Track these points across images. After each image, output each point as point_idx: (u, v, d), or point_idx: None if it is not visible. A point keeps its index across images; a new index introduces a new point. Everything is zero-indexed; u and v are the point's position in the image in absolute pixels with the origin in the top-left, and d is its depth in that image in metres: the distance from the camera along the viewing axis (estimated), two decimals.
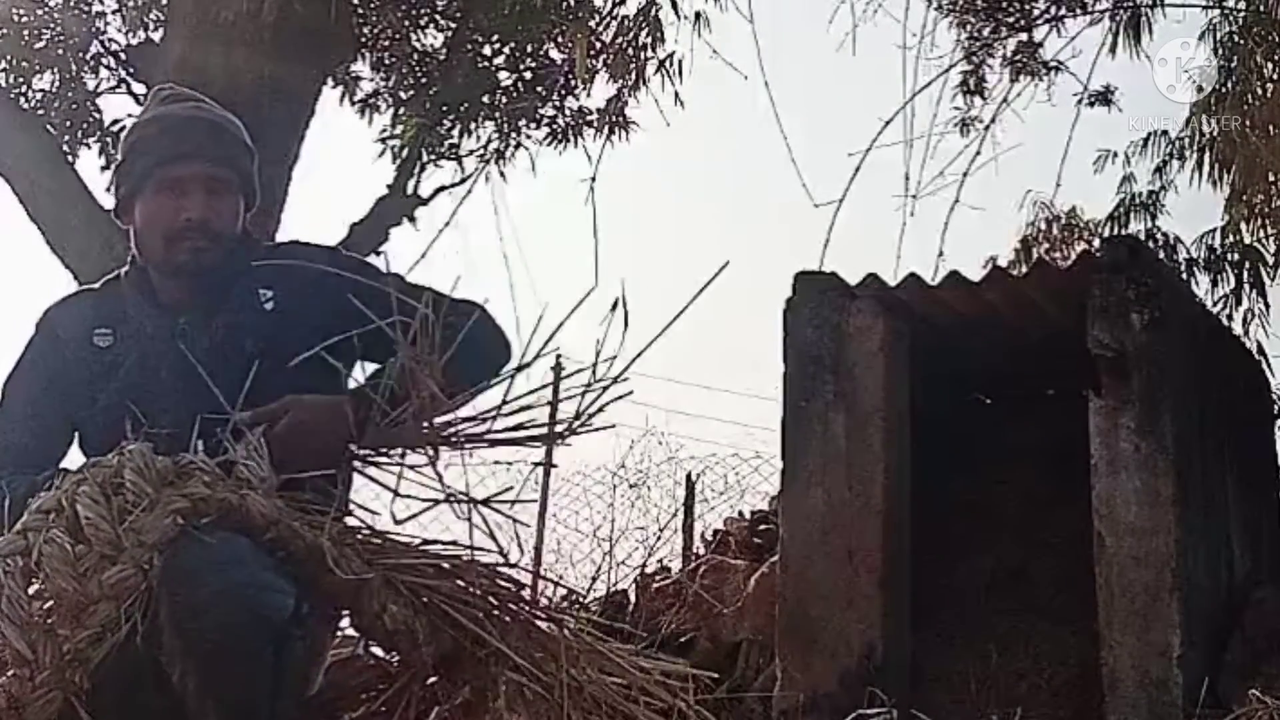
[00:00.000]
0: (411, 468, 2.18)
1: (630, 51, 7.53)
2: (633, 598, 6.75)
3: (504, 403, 2.25)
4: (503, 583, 2.11)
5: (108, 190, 7.49)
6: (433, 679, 2.08)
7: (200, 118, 2.47)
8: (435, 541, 2.14)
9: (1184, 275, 7.53)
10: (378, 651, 2.17)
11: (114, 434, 2.13)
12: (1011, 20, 8.36)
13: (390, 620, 2.01)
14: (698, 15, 7.49)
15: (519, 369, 2.30)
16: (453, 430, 2.20)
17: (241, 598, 1.93)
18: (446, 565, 2.09)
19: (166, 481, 1.93)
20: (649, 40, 7.48)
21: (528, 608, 2.12)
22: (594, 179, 7.67)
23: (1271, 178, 7.60)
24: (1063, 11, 8.14)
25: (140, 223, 2.45)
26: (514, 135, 8.33)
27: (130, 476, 1.91)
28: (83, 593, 1.80)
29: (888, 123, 7.48)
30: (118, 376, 2.40)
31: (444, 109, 8.16)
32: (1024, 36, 8.38)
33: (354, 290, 2.27)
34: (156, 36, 7.38)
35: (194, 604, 1.90)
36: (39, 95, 7.52)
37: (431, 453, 2.18)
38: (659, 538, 7.73)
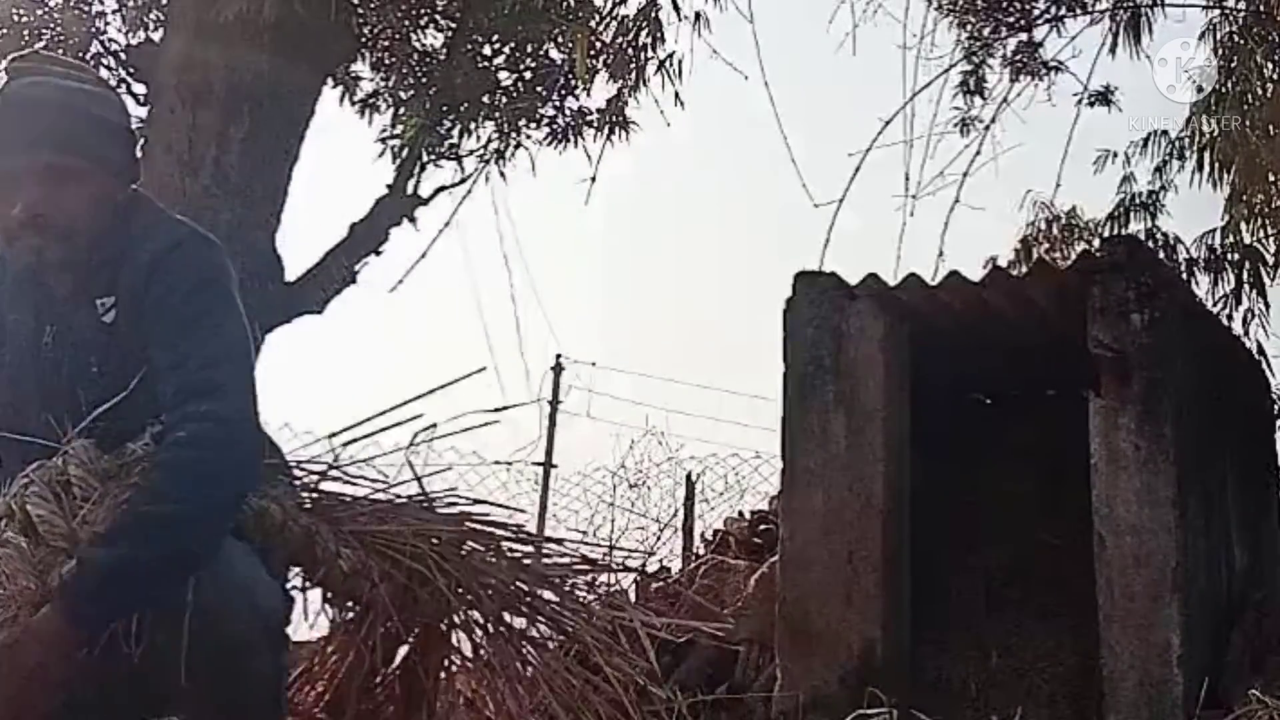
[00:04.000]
0: None
1: (630, 51, 7.53)
2: (632, 598, 6.74)
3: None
4: (445, 522, 2.12)
5: None
6: (391, 620, 2.09)
7: (33, 99, 2.13)
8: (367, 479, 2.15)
9: (1184, 275, 7.54)
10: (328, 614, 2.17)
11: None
12: (1011, 20, 8.36)
13: (345, 563, 2.02)
14: (698, 15, 7.51)
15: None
16: None
17: (248, 599, 1.92)
18: (383, 509, 2.12)
19: (110, 475, 1.94)
20: (649, 40, 7.48)
21: (476, 540, 2.12)
22: (594, 179, 7.69)
23: (1271, 178, 7.60)
24: (1063, 11, 8.14)
25: None
26: (514, 135, 8.33)
27: (76, 473, 1.92)
28: (44, 589, 1.81)
29: (888, 123, 7.50)
30: (4, 362, 2.22)
31: (444, 109, 8.16)
32: (1024, 36, 8.38)
33: (160, 312, 2.10)
34: (156, 36, 7.39)
35: (203, 607, 1.89)
36: None
37: None
38: (659, 538, 7.73)
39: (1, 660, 1.77)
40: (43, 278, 2.16)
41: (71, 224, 2.10)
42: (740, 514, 7.31)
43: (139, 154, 2.24)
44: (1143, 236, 7.87)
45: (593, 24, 7.68)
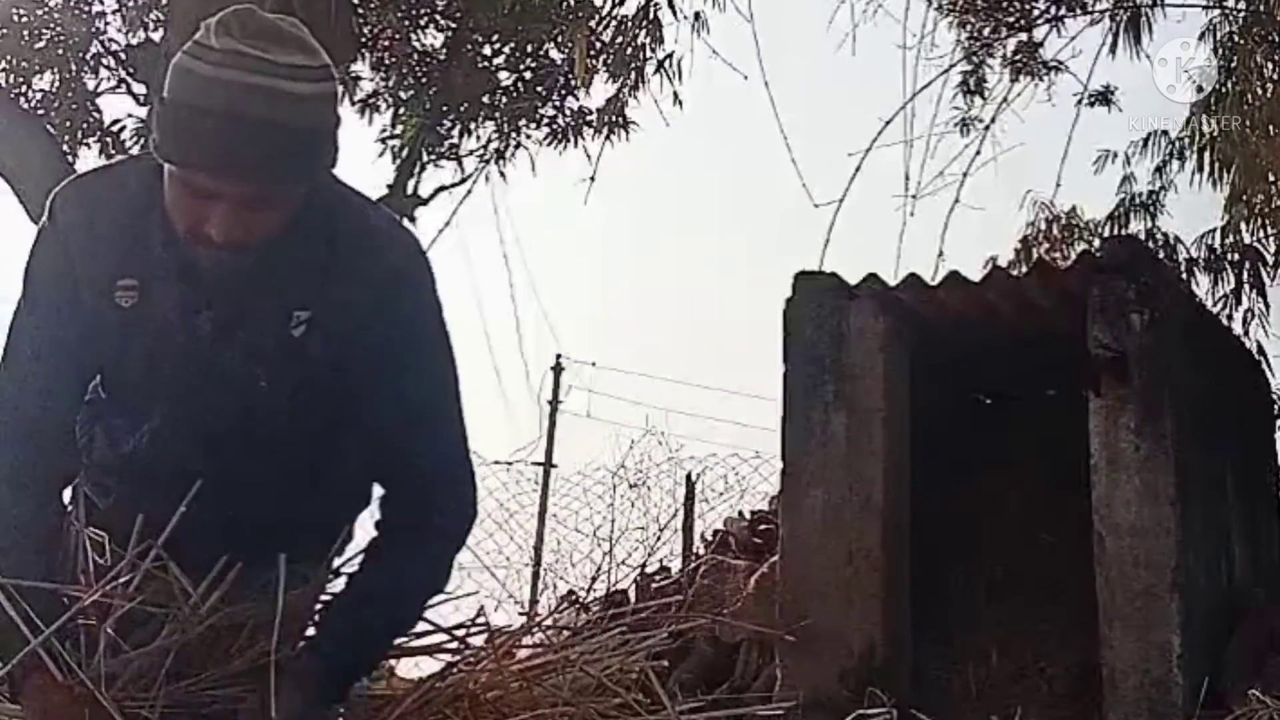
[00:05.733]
0: None
1: (630, 51, 7.53)
2: (633, 598, 6.75)
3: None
4: None
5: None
6: None
7: (247, 117, 1.72)
8: None
9: (1184, 275, 7.54)
10: None
11: (127, 414, 1.99)
12: (1011, 20, 8.36)
13: None
14: (697, 15, 7.51)
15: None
16: None
17: None
18: None
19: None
20: (648, 40, 7.49)
21: None
22: (593, 179, 7.69)
23: (1271, 178, 7.61)
24: (1063, 11, 8.15)
25: (166, 193, 1.84)
26: (514, 135, 8.35)
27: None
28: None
29: (888, 123, 7.49)
30: (131, 350, 1.94)
31: (444, 109, 8.18)
32: (1024, 36, 8.39)
33: (398, 359, 1.91)
34: (156, 36, 7.39)
35: None
36: (39, 95, 7.55)
37: None
38: (659, 538, 7.73)
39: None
40: (199, 254, 1.86)
41: (256, 240, 1.83)
42: (740, 514, 7.31)
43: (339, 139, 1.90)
44: (1143, 236, 7.87)
45: (592, 24, 7.69)
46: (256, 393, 1.92)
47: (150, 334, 1.91)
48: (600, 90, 8.06)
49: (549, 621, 2.15)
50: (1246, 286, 7.55)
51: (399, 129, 8.27)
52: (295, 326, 1.90)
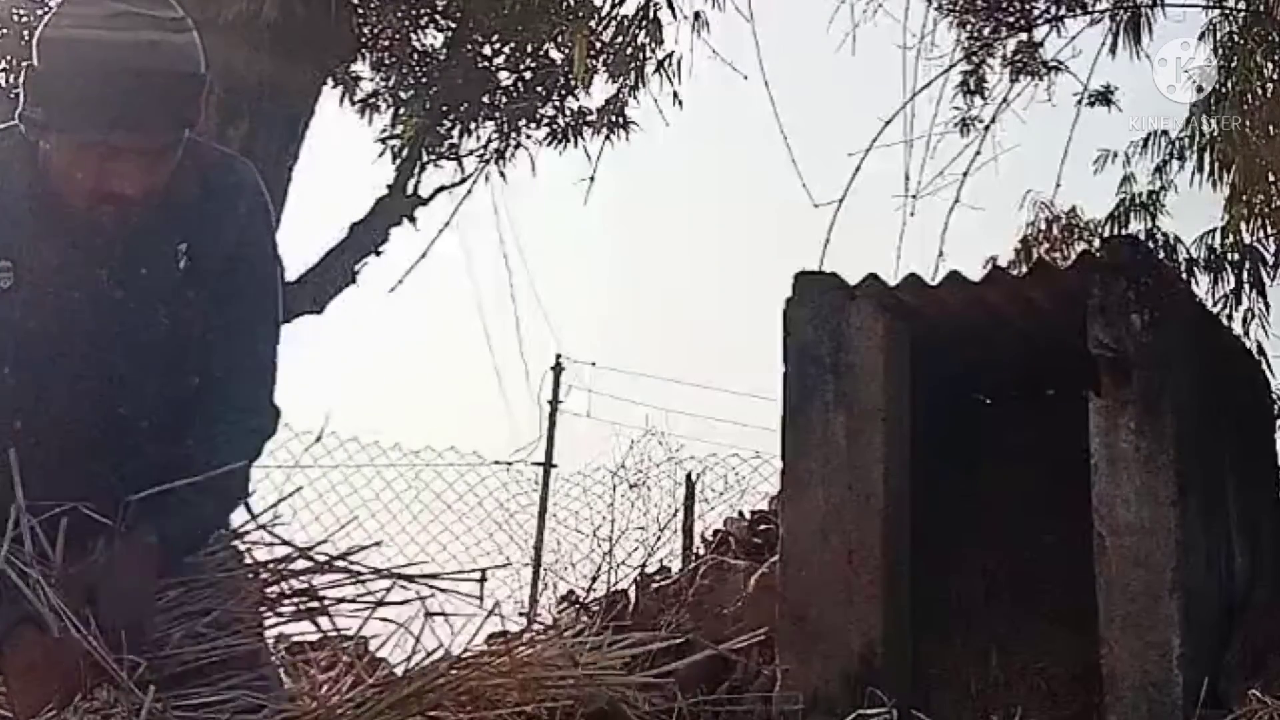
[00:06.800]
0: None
1: (630, 51, 7.52)
2: (633, 598, 6.75)
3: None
4: None
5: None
6: None
7: (151, 72, 1.84)
8: None
9: (1184, 275, 7.53)
10: None
11: (12, 398, 1.97)
12: (1011, 20, 8.36)
13: None
14: (696, 15, 7.50)
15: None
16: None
17: None
18: None
19: None
20: (648, 40, 7.48)
21: None
22: (593, 178, 7.68)
23: (1271, 178, 7.60)
24: (1063, 11, 8.14)
25: (57, 163, 1.93)
26: (514, 135, 8.33)
27: None
28: None
29: (888, 123, 7.49)
30: (15, 330, 1.98)
31: (444, 109, 8.17)
32: (1024, 36, 8.38)
33: (249, 269, 2.11)
34: None
35: None
36: None
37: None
38: (659, 538, 7.72)
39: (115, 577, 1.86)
40: (94, 215, 1.96)
41: (157, 189, 1.95)
42: (740, 514, 7.31)
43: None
44: (1143, 236, 7.86)
45: (592, 24, 7.68)
46: (160, 332, 2.02)
47: (33, 309, 1.97)
48: (600, 90, 8.06)
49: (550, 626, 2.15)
50: (1246, 286, 7.54)
51: (399, 129, 8.26)
52: (179, 260, 2.02)
